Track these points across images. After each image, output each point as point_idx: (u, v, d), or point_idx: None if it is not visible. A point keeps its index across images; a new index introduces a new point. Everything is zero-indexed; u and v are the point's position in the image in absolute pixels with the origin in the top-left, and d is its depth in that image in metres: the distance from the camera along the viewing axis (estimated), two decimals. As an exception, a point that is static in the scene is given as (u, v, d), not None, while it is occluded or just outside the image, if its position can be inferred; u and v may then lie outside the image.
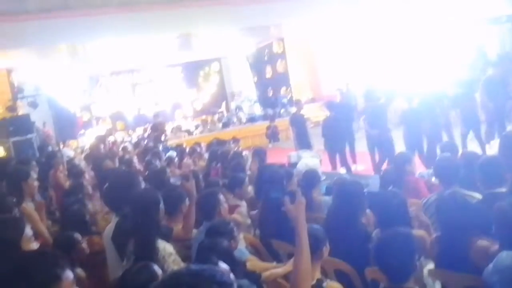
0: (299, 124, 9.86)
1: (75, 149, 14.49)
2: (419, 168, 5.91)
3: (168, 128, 16.15)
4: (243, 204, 4.67)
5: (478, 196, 3.61)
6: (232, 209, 4.47)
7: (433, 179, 4.62)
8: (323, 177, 5.63)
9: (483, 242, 2.89)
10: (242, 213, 4.52)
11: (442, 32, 15.08)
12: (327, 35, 17.72)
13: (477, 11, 14.43)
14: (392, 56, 15.88)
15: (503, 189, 3.37)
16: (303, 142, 9.55)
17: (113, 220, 3.47)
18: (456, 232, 2.92)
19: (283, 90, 18.63)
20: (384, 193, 3.97)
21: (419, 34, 15.27)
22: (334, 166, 9.02)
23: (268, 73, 19.46)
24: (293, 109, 13.00)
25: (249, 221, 4.54)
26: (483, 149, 8.00)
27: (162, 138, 12.22)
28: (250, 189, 5.02)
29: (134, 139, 15.04)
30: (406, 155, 4.94)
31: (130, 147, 12.18)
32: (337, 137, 8.93)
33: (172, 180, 5.46)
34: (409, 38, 15.46)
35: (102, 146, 11.33)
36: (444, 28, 14.93)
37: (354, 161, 9.25)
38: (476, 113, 8.38)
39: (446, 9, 13.88)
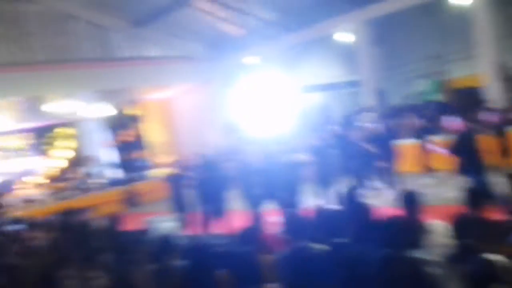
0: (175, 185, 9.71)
1: None
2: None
3: (13, 198, 14.75)
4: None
5: (325, 247, 3.83)
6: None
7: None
8: (184, 241, 5.53)
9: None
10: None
11: (292, 95, 16.49)
12: (185, 98, 18.12)
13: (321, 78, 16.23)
14: (248, 116, 16.79)
15: (345, 240, 3.63)
16: (178, 203, 9.40)
17: None
18: (305, 283, 3.04)
19: (141, 153, 18.37)
20: (239, 251, 4.01)
21: (270, 96, 16.54)
22: (204, 227, 8.98)
23: (126, 136, 19.10)
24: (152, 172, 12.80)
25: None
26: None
27: (2, 210, 11.04)
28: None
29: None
30: (238, 214, 5.12)
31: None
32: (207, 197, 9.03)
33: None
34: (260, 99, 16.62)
35: None
36: (293, 91, 16.38)
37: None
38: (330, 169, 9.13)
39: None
